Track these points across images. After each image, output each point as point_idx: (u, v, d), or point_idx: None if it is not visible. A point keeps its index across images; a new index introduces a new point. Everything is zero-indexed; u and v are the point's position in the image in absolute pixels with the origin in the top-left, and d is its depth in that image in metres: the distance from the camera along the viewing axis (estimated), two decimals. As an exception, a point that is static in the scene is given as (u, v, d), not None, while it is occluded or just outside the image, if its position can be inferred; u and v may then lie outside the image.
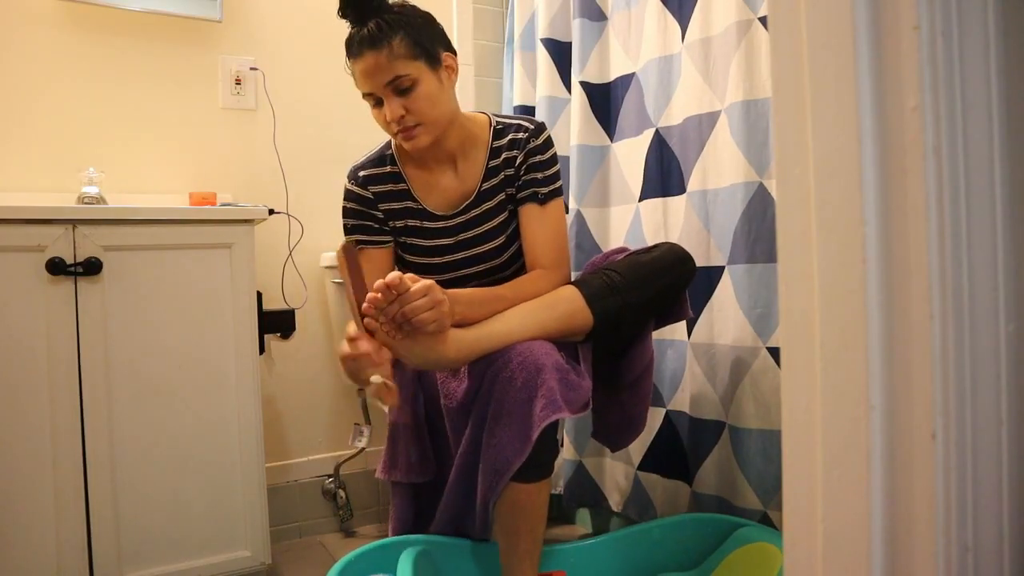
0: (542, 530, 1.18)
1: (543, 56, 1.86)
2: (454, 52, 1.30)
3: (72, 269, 1.29)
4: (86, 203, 1.49)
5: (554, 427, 1.15)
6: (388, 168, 1.35)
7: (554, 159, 1.34)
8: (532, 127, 1.33)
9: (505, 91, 2.11)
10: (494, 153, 1.33)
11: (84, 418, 1.31)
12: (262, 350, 1.54)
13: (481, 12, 2.15)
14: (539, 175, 1.31)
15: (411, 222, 1.35)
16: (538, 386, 1.09)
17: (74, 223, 1.30)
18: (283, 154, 1.84)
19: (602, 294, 1.20)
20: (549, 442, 1.16)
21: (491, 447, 1.12)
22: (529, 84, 1.95)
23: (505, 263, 1.37)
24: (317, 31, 1.90)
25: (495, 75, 2.17)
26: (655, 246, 1.32)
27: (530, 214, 1.32)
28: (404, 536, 1.26)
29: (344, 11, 1.23)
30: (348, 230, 1.35)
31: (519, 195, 1.33)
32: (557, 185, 1.34)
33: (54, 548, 1.28)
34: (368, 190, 1.34)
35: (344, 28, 1.28)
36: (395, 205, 1.34)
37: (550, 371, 1.10)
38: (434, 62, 1.24)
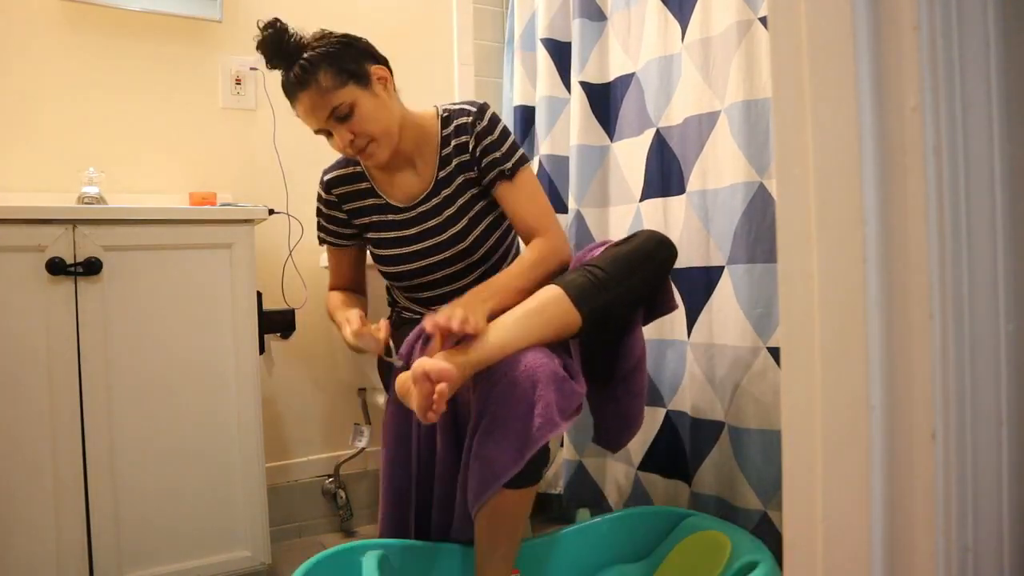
0: (520, 535, 1.18)
1: (543, 56, 1.86)
2: (384, 62, 1.35)
3: (72, 269, 1.29)
4: (86, 203, 1.49)
5: None
6: (352, 169, 1.43)
7: (505, 133, 1.36)
8: (474, 109, 1.36)
9: (505, 91, 2.11)
10: (444, 142, 1.37)
11: (84, 418, 1.31)
12: (262, 350, 1.54)
13: (481, 12, 2.15)
14: (497, 154, 1.34)
15: (375, 217, 1.41)
16: (535, 401, 1.08)
17: (74, 223, 1.30)
18: (283, 154, 1.84)
19: (587, 292, 1.20)
20: (542, 453, 1.15)
21: (481, 458, 1.10)
22: (529, 84, 1.95)
23: (471, 246, 1.37)
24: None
25: (495, 75, 2.17)
26: (633, 235, 1.32)
27: (505, 192, 1.34)
28: (364, 541, 1.24)
29: (270, 62, 1.29)
30: (319, 227, 1.47)
31: (486, 179, 1.35)
32: (519, 155, 1.35)
33: (54, 548, 1.28)
34: (332, 193, 1.43)
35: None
36: (358, 204, 1.42)
37: (547, 383, 1.09)
38: (363, 81, 1.29)
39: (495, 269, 1.39)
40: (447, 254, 1.36)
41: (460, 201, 1.36)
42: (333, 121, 1.28)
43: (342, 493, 1.87)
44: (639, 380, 1.33)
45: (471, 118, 1.35)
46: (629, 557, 1.38)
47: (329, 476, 1.89)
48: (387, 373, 1.38)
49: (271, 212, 1.51)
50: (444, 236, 1.36)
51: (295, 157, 1.87)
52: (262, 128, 1.84)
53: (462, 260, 1.37)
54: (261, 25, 1.26)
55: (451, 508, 1.25)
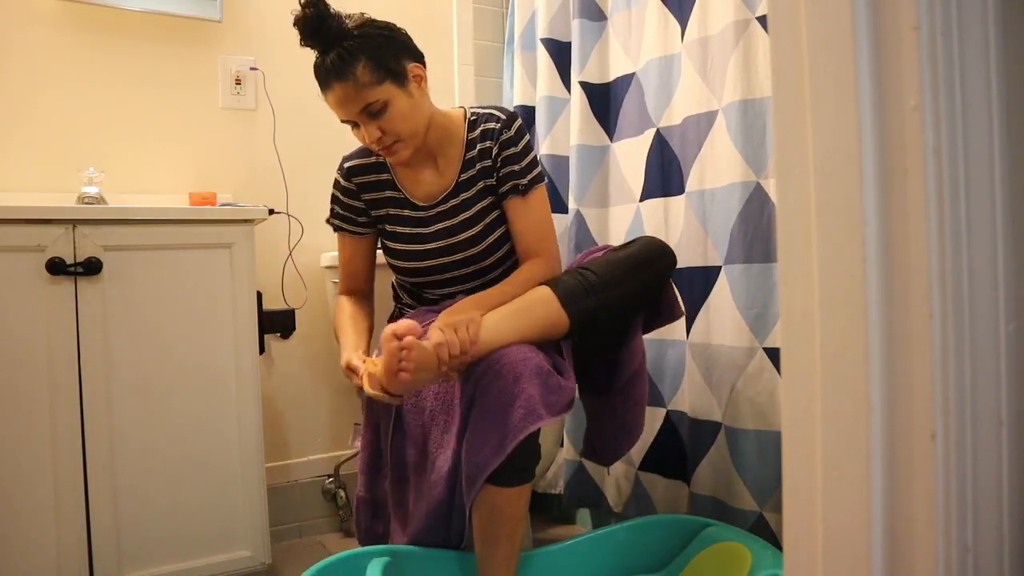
0: (520, 537, 1.17)
1: (543, 56, 1.86)
2: (420, 59, 1.32)
3: (72, 269, 1.29)
4: (86, 203, 1.49)
5: (535, 433, 1.13)
6: (374, 158, 1.41)
7: (528, 147, 1.36)
8: (504, 117, 1.35)
9: (505, 91, 2.11)
10: (469, 145, 1.37)
11: (84, 418, 1.31)
12: (262, 350, 1.54)
13: (481, 12, 2.15)
14: (516, 167, 1.33)
15: (392, 210, 1.40)
16: (516, 395, 1.08)
17: (74, 223, 1.30)
18: (283, 154, 1.84)
19: (576, 295, 1.19)
20: (530, 448, 1.14)
21: (467, 452, 1.11)
22: (529, 84, 1.95)
23: (483, 252, 1.37)
24: (317, 31, 1.90)
25: (495, 75, 2.17)
26: (632, 241, 1.31)
27: (514, 207, 1.35)
28: (370, 547, 1.22)
29: (306, 42, 1.24)
30: (332, 214, 1.45)
31: (500, 189, 1.35)
32: (536, 173, 1.36)
33: (54, 548, 1.28)
34: (352, 181, 1.41)
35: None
36: (377, 195, 1.41)
37: (529, 378, 1.09)
38: (400, 79, 1.26)
39: (504, 275, 1.37)
40: (459, 256, 1.36)
41: (478, 206, 1.36)
42: (364, 115, 1.25)
43: (342, 493, 1.87)
44: (639, 388, 1.32)
45: (499, 125, 1.33)
46: (645, 567, 1.36)
47: (329, 476, 1.89)
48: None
49: (271, 212, 1.51)
50: (459, 238, 1.36)
51: (295, 157, 1.87)
52: (262, 128, 1.84)
53: (473, 264, 1.37)
54: (302, 1, 1.20)
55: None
